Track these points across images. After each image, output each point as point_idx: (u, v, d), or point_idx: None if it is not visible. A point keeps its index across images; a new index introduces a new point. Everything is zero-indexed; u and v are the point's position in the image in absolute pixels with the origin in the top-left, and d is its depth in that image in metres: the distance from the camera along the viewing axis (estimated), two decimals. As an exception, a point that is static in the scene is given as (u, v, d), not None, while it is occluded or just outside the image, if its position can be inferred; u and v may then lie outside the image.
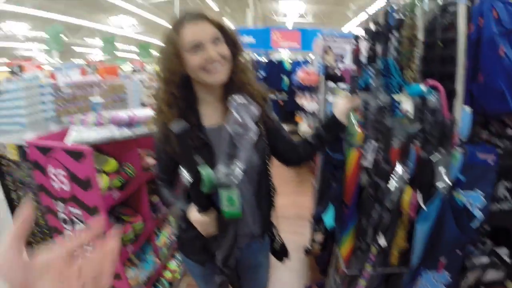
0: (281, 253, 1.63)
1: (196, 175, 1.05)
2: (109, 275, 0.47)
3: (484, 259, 2.49)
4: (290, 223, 3.85)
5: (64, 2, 14.65)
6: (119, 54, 19.56)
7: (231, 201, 1.07)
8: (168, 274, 2.61)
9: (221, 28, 1.24)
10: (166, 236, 2.61)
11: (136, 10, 14.85)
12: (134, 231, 2.15)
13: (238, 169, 1.06)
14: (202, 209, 1.15)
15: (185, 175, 1.05)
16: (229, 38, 1.26)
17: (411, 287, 1.91)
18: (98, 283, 0.46)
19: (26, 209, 0.45)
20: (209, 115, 1.33)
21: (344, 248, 1.95)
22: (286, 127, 7.13)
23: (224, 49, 1.22)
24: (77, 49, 22.86)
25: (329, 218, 2.22)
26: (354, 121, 1.61)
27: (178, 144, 1.06)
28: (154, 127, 1.33)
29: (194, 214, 1.18)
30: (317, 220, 2.76)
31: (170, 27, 1.24)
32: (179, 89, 1.24)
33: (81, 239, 0.48)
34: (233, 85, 1.29)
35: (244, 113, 1.02)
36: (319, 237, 3.15)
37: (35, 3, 13.80)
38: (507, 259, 2.52)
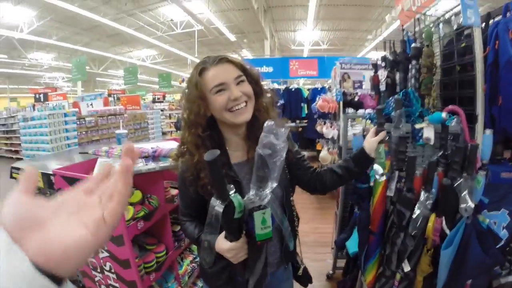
0: (305, 278, 1.62)
1: (228, 203, 1.04)
2: (125, 194, 0.44)
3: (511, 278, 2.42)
4: (310, 249, 3.82)
5: (89, 36, 15.25)
6: (140, 84, 20.14)
7: (264, 223, 1.06)
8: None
9: (243, 68, 1.28)
10: (187, 265, 2.61)
11: (156, 42, 15.28)
12: (157, 260, 2.16)
13: (268, 189, 1.06)
14: (234, 236, 1.12)
15: (217, 205, 1.05)
16: (251, 78, 1.31)
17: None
18: (115, 202, 0.43)
19: (29, 168, 0.41)
20: (235, 153, 1.36)
21: (369, 275, 1.94)
22: (306, 153, 7.12)
23: (248, 88, 1.26)
24: (100, 79, 23.58)
25: (352, 245, 2.21)
26: (383, 153, 1.63)
27: (211, 172, 1.04)
28: (179, 166, 1.33)
29: (224, 243, 1.14)
30: (340, 247, 2.73)
31: (194, 71, 1.27)
32: (205, 131, 1.27)
33: (97, 179, 0.47)
34: (257, 123, 1.32)
35: (273, 135, 1.04)
36: (342, 263, 3.11)
37: (62, 35, 14.43)
38: (535, 276, 2.45)
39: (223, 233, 1.15)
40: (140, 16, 13.61)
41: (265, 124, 1.06)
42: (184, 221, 1.43)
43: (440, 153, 1.67)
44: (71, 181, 1.92)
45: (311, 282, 1.64)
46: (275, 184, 1.06)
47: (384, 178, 1.74)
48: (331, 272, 3.33)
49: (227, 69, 1.23)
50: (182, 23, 14.36)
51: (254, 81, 1.31)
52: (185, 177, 1.30)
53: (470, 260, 1.61)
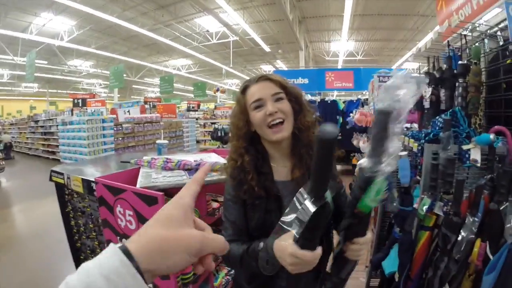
0: None
1: (325, 204, 0.88)
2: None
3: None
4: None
5: (126, 45, 15.75)
6: (175, 93, 20.56)
7: (378, 193, 0.87)
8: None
9: (282, 86, 1.30)
10: (222, 277, 2.62)
11: (192, 52, 15.63)
12: (194, 271, 2.17)
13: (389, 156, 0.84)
14: (310, 245, 0.93)
15: (307, 199, 0.88)
16: (292, 96, 1.32)
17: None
18: None
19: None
20: (279, 171, 1.35)
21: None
22: (339, 167, 7.03)
23: (285, 105, 1.27)
24: (136, 86, 24.25)
25: (388, 265, 2.17)
26: (425, 207, 1.62)
27: (322, 153, 0.83)
28: (226, 187, 1.34)
29: (291, 245, 0.94)
30: (375, 266, 2.68)
31: (239, 89, 1.36)
32: (249, 145, 1.32)
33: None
34: (299, 142, 1.33)
35: (403, 81, 0.80)
36: (375, 282, 3.05)
37: (100, 44, 15.06)
38: None
39: (289, 233, 0.96)
40: (176, 27, 13.99)
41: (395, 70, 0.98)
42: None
43: (489, 177, 1.63)
44: (112, 190, 1.96)
45: None
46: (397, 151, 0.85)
47: (428, 230, 1.72)
48: (366, 290, 3.26)
49: (266, 86, 1.27)
50: (217, 33, 14.63)
51: (294, 99, 1.32)
52: (233, 186, 1.30)
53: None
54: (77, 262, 2.94)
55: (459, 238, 1.54)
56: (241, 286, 1.44)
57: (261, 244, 1.10)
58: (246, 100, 1.29)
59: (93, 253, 2.70)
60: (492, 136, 1.64)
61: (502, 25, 2.18)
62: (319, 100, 8.23)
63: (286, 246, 0.96)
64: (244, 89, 1.31)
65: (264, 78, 1.30)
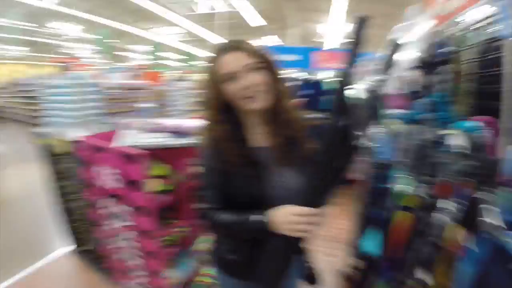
0: (313, 277, 1.48)
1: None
2: None
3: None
4: (324, 244, 3.76)
5: (112, 9, 15.37)
6: (161, 61, 20.22)
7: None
8: (204, 278, 2.67)
9: (257, 55, 1.22)
10: (205, 242, 2.66)
11: (180, 20, 15.36)
12: (177, 234, 2.22)
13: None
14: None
15: None
16: (267, 65, 1.25)
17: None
18: None
19: None
20: (254, 137, 1.34)
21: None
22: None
23: (259, 76, 1.21)
24: (122, 53, 23.73)
25: (368, 244, 2.17)
26: (402, 187, 1.67)
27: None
28: (202, 151, 1.32)
29: (292, 207, 1.08)
30: (356, 246, 2.70)
31: (209, 59, 1.28)
32: (220, 114, 1.28)
33: None
34: (278, 110, 1.29)
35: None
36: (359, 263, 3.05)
37: (85, 7, 14.67)
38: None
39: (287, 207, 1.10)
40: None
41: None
42: (212, 217, 1.27)
43: (469, 163, 1.63)
44: (95, 149, 2.00)
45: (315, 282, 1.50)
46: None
47: (404, 211, 1.74)
48: (343, 269, 3.28)
49: (237, 56, 1.19)
50: (207, 4, 14.31)
51: (269, 67, 1.25)
52: (210, 156, 1.29)
53: (491, 283, 1.43)
54: (66, 224, 3.01)
55: (436, 221, 1.56)
56: (222, 257, 1.44)
57: (255, 215, 1.16)
58: (216, 71, 1.22)
59: (81, 214, 2.73)
60: (475, 123, 1.64)
61: (488, 20, 2.20)
62: (312, 80, 8.23)
63: (285, 209, 1.10)
64: (214, 59, 1.23)
65: (235, 47, 1.21)
